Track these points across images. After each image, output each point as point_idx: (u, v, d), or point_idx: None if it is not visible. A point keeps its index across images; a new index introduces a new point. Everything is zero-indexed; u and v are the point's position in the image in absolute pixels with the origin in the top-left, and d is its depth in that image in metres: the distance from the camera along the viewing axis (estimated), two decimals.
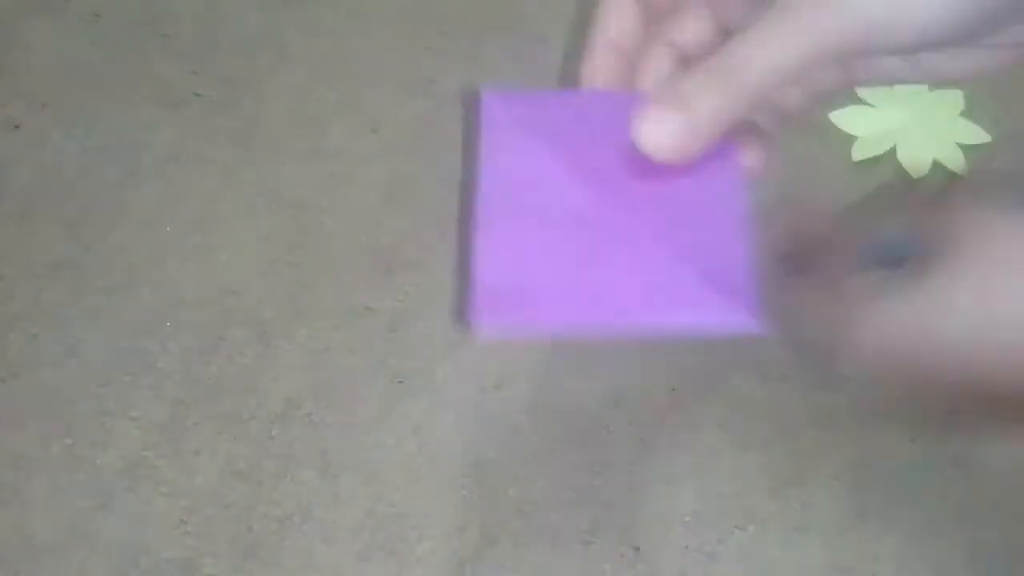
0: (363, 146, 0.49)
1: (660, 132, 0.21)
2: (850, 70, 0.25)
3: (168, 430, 0.42)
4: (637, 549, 0.40)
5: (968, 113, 0.48)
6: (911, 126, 0.48)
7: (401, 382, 0.43)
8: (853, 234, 0.24)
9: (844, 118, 0.48)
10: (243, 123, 0.50)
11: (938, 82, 0.25)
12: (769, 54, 0.23)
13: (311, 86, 0.51)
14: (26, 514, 0.40)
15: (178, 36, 0.52)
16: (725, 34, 0.27)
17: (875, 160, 0.48)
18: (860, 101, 0.49)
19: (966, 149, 0.48)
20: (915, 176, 0.47)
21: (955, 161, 0.47)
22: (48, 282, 0.45)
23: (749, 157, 0.25)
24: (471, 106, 0.28)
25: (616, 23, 0.27)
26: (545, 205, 0.22)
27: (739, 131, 0.24)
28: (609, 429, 0.42)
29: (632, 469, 0.41)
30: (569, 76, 0.52)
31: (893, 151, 0.48)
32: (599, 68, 0.26)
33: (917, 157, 0.47)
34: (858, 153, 0.48)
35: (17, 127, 0.49)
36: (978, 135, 0.48)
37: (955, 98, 0.49)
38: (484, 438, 0.42)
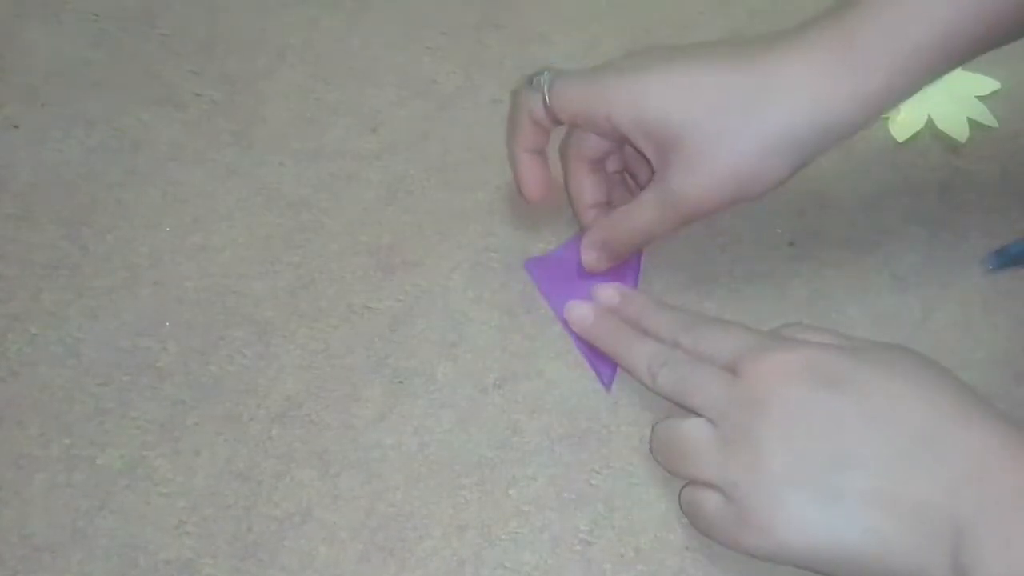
0: (363, 146, 0.49)
1: (588, 259, 0.43)
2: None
3: (167, 430, 0.42)
4: (637, 549, 0.40)
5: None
6: (938, 95, 0.50)
7: (401, 382, 0.43)
8: None
9: None
10: (243, 123, 0.50)
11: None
12: (640, 226, 0.41)
13: (311, 86, 0.51)
14: (25, 514, 0.40)
15: (178, 36, 0.52)
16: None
17: (915, 136, 0.49)
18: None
19: (984, 99, 0.49)
20: (959, 140, 0.49)
21: (983, 114, 0.49)
22: (47, 282, 0.45)
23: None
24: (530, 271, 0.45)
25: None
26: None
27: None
28: (609, 429, 0.42)
29: (632, 469, 0.41)
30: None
31: (930, 122, 0.49)
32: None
33: (953, 121, 0.48)
34: (899, 134, 0.49)
35: (16, 127, 0.49)
36: (987, 84, 0.50)
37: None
38: (484, 438, 0.42)
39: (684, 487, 0.36)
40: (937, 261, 0.46)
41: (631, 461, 0.41)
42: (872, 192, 0.48)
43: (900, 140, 0.49)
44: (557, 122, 0.40)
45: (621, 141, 0.40)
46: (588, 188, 0.43)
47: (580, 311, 0.43)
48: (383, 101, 0.50)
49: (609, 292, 0.43)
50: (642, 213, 0.40)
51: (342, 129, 0.50)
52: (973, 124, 0.49)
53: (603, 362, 0.43)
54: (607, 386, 0.43)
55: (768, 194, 0.38)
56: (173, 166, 0.48)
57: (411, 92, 0.51)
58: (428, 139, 0.49)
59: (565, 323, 0.44)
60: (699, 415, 0.35)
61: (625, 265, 0.44)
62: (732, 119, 0.36)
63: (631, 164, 0.44)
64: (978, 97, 0.49)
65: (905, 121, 0.49)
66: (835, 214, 0.47)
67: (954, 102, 0.49)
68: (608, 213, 0.42)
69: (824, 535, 0.31)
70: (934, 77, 0.37)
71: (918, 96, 0.48)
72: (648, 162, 0.39)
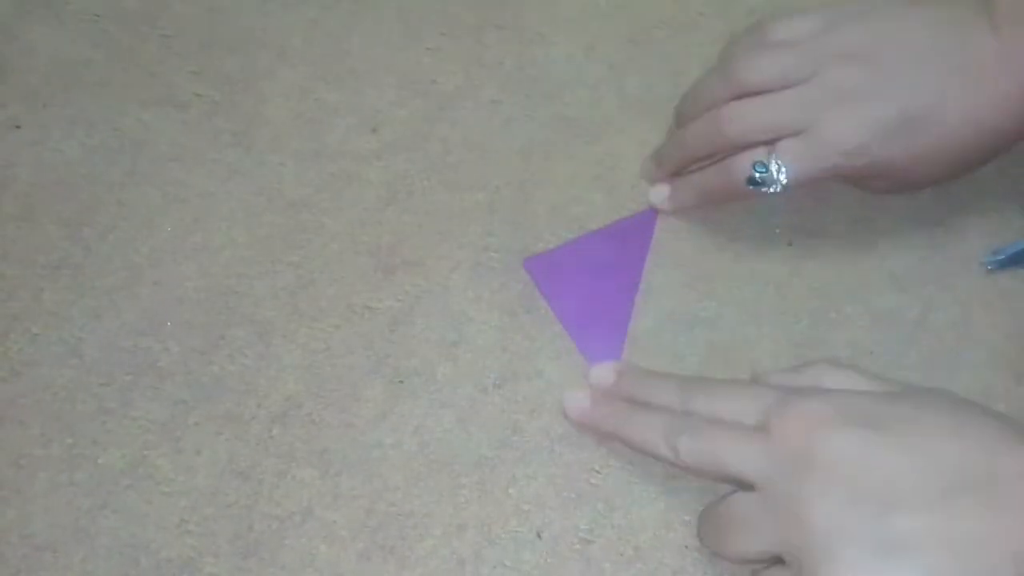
0: (363, 146, 0.49)
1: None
2: None
3: (168, 429, 0.42)
4: (637, 548, 0.40)
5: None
6: None
7: (401, 382, 0.43)
8: None
9: None
10: (243, 123, 0.50)
11: None
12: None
13: (311, 86, 0.51)
14: (26, 513, 0.40)
15: (178, 36, 0.52)
16: None
17: None
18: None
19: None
20: None
21: None
22: (48, 282, 0.45)
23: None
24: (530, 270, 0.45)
25: None
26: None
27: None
28: None
29: (632, 469, 0.41)
30: (569, 76, 0.52)
31: None
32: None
33: None
34: None
35: (18, 127, 0.49)
36: None
37: None
38: (484, 438, 0.42)
39: (755, 572, 0.35)
40: (937, 261, 0.46)
41: (631, 461, 0.41)
42: (872, 192, 0.48)
43: None
44: None
45: None
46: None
47: (574, 400, 0.41)
48: (383, 101, 0.50)
49: (602, 373, 0.42)
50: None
51: (342, 129, 0.50)
52: None
53: (604, 361, 0.43)
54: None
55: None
56: (173, 166, 0.49)
57: (411, 92, 0.51)
58: (428, 139, 0.49)
59: (565, 323, 0.44)
60: (734, 485, 0.34)
61: (628, 263, 0.44)
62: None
63: None
64: None
65: None
66: (835, 214, 0.47)
67: None
68: None
69: None
70: None
71: None
72: None
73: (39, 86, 0.51)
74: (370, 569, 0.39)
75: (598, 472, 0.41)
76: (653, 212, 0.47)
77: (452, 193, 0.48)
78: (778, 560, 0.33)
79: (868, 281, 0.46)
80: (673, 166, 0.46)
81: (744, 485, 0.34)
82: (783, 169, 0.40)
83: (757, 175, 0.40)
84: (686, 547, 0.40)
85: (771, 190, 0.40)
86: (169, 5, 0.53)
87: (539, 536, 0.40)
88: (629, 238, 0.46)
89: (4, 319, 0.44)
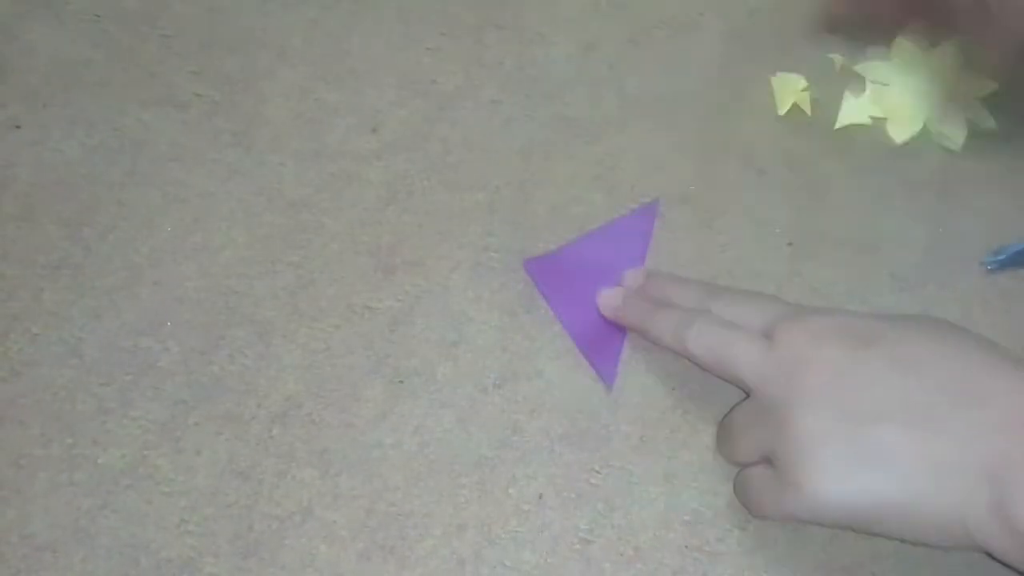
0: (363, 146, 0.49)
1: None
2: None
3: (169, 429, 0.42)
4: (636, 548, 0.40)
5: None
6: (937, 96, 0.49)
7: (401, 382, 0.43)
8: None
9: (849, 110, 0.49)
10: (243, 123, 0.50)
11: None
12: None
13: (311, 86, 0.51)
14: (26, 513, 0.40)
15: (178, 36, 0.52)
16: None
17: (914, 137, 0.49)
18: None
19: (983, 100, 0.49)
20: (958, 140, 0.48)
21: (981, 115, 0.48)
22: (48, 282, 0.45)
23: None
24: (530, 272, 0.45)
25: None
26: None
27: None
28: (609, 429, 0.42)
29: (632, 469, 0.41)
30: (569, 76, 0.52)
31: (929, 123, 0.49)
32: None
33: (952, 121, 0.48)
34: (897, 135, 0.49)
35: (18, 127, 0.49)
36: (986, 85, 0.49)
37: (954, 53, 0.50)
38: (484, 438, 0.42)
39: (738, 472, 0.37)
40: (937, 261, 0.46)
41: (631, 461, 0.41)
42: (872, 192, 0.48)
43: (899, 141, 0.49)
44: None
45: None
46: None
47: (607, 295, 0.43)
48: (383, 101, 0.50)
49: (636, 274, 0.44)
50: None
51: (342, 129, 0.50)
52: (972, 125, 0.49)
53: (604, 360, 0.43)
54: (609, 384, 0.43)
55: None
56: (173, 166, 0.49)
57: (411, 92, 0.51)
58: (428, 139, 0.49)
59: (565, 323, 0.44)
60: (734, 385, 0.36)
61: (628, 262, 0.45)
62: None
63: None
64: (977, 98, 0.49)
65: (904, 122, 0.49)
66: (835, 214, 0.47)
67: (952, 103, 0.49)
68: None
69: (860, 489, 0.31)
70: None
71: (917, 97, 0.49)
72: None
73: (39, 86, 0.51)
74: (370, 569, 0.39)
75: (598, 472, 0.41)
76: (653, 208, 0.47)
77: (452, 193, 0.48)
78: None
79: (868, 281, 0.46)
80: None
81: (743, 387, 0.36)
82: None
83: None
84: (686, 547, 0.40)
85: None
86: (169, 5, 0.53)
87: (540, 497, 0.40)
88: (628, 236, 0.46)
89: (4, 319, 0.44)
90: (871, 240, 0.47)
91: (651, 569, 0.39)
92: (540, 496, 0.41)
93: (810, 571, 0.39)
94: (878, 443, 0.31)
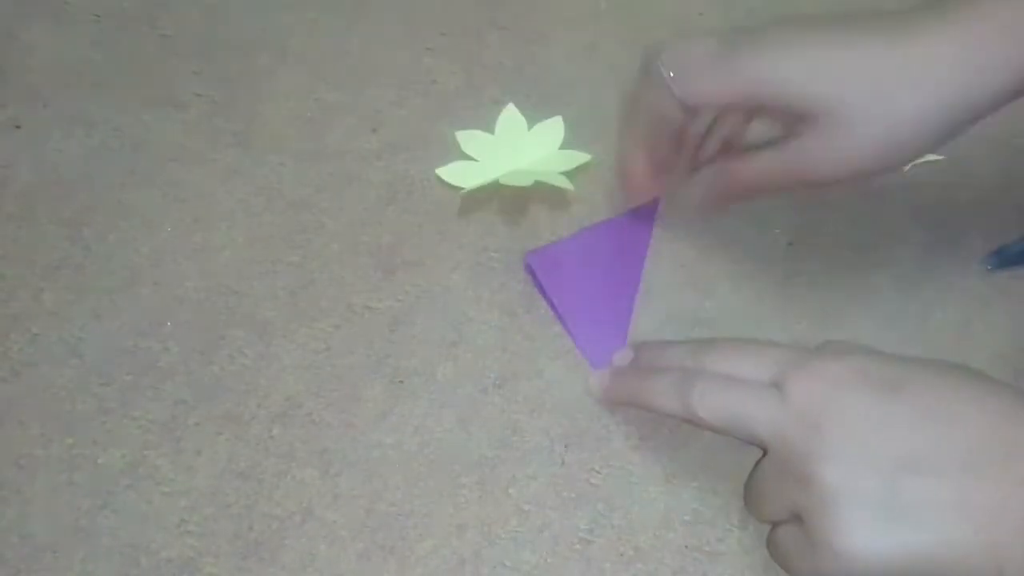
0: (363, 146, 0.49)
1: (695, 198, 0.42)
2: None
3: (169, 429, 0.42)
4: (637, 548, 0.40)
5: (567, 142, 0.49)
6: (513, 169, 0.48)
7: (401, 382, 0.43)
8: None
9: (450, 173, 0.48)
10: (243, 123, 0.50)
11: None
12: (759, 179, 0.39)
13: (311, 86, 0.51)
14: (26, 513, 0.40)
15: (178, 36, 0.52)
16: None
17: (481, 190, 0.47)
18: (465, 156, 0.49)
19: (570, 174, 0.47)
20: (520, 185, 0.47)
21: (559, 180, 0.47)
22: (48, 282, 0.45)
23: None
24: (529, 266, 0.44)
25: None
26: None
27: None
28: (609, 429, 0.42)
29: (632, 469, 0.41)
30: (569, 76, 0.52)
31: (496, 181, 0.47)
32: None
33: (519, 180, 0.47)
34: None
35: (18, 127, 0.49)
36: (578, 158, 0.48)
37: (555, 132, 0.49)
38: (484, 438, 0.42)
39: (769, 533, 0.35)
40: (937, 261, 0.46)
41: (631, 461, 0.41)
42: (872, 192, 0.48)
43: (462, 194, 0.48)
44: (687, 111, 0.38)
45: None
46: (642, 157, 0.41)
47: (597, 378, 0.42)
48: (383, 101, 0.50)
49: (623, 353, 0.42)
50: (765, 168, 0.38)
51: (342, 129, 0.50)
52: (540, 184, 0.47)
53: (603, 357, 0.43)
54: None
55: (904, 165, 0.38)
56: (173, 166, 0.49)
57: (411, 92, 0.51)
58: (428, 139, 0.49)
59: (565, 318, 0.44)
60: (746, 442, 0.34)
61: (629, 258, 0.44)
62: (881, 93, 0.35)
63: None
64: (565, 172, 0.48)
65: (471, 193, 0.48)
66: (835, 214, 0.47)
67: (531, 175, 0.48)
68: (722, 160, 0.40)
69: (894, 544, 0.30)
70: None
71: (495, 168, 0.48)
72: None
73: (39, 86, 0.51)
74: (370, 569, 0.39)
75: (598, 472, 0.41)
76: (653, 206, 0.47)
77: (452, 193, 0.48)
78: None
79: (868, 281, 0.46)
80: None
81: (760, 446, 0.34)
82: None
83: None
84: (686, 547, 0.40)
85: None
86: (169, 5, 0.53)
87: (563, 461, 0.40)
88: (630, 232, 0.46)
89: (4, 319, 0.44)
90: (871, 240, 0.47)
91: (651, 569, 0.39)
92: (540, 496, 0.41)
93: None
94: (911, 496, 0.30)
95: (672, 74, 0.37)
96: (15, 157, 0.49)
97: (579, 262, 0.45)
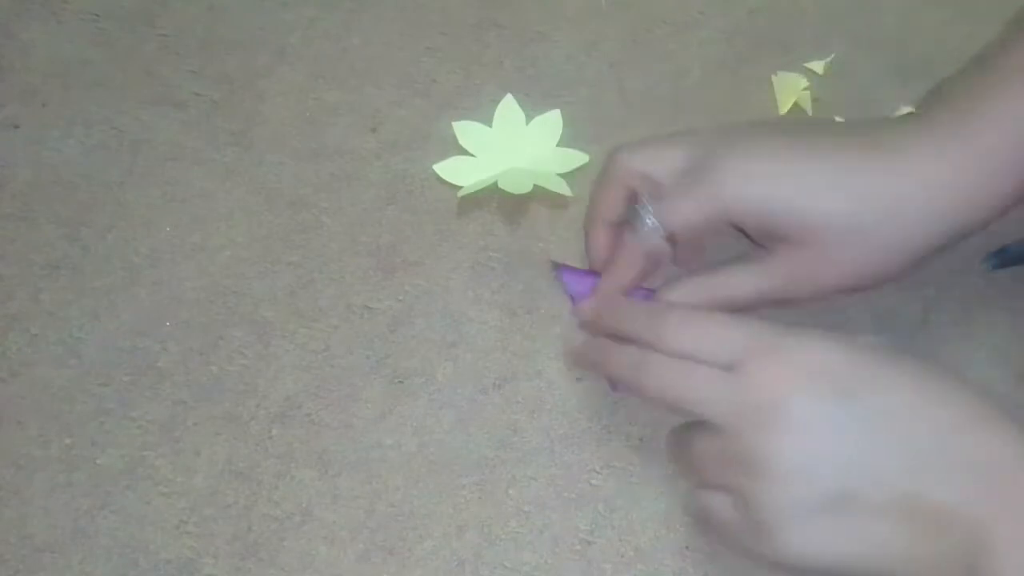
0: (363, 146, 0.49)
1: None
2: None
3: (167, 430, 0.42)
4: (637, 549, 0.40)
5: (566, 139, 0.48)
6: (510, 166, 0.48)
7: (401, 382, 0.43)
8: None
9: (447, 169, 0.48)
10: (243, 123, 0.50)
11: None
12: (739, 296, 0.37)
13: (311, 85, 0.51)
14: (25, 513, 0.40)
15: (178, 36, 0.52)
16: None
17: (479, 192, 0.47)
18: (462, 150, 0.48)
19: (567, 176, 0.47)
20: (518, 192, 0.46)
21: (556, 184, 0.46)
22: (47, 282, 0.45)
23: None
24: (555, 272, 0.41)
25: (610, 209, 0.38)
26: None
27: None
28: (609, 429, 0.42)
29: (632, 469, 0.41)
30: (569, 76, 0.52)
31: (495, 184, 0.46)
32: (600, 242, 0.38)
33: (518, 185, 0.46)
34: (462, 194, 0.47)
35: (16, 126, 0.49)
36: (577, 159, 0.48)
37: (554, 125, 0.49)
38: (484, 438, 0.42)
39: (694, 491, 0.35)
40: (937, 261, 0.46)
41: (631, 461, 0.41)
42: None
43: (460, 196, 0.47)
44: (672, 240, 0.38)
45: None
46: (606, 246, 0.39)
47: (573, 342, 0.39)
48: (383, 101, 0.50)
49: (586, 309, 0.39)
50: (743, 285, 0.37)
51: (342, 129, 0.50)
52: (539, 188, 0.47)
53: None
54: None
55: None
56: (172, 165, 0.48)
57: (411, 92, 0.51)
58: (428, 139, 0.49)
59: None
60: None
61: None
62: (865, 217, 0.34)
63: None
64: (562, 174, 0.47)
65: (469, 191, 0.47)
66: None
67: (528, 175, 0.47)
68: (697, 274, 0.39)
69: (837, 548, 0.31)
70: None
71: (492, 165, 0.48)
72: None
73: (38, 85, 0.50)
74: (370, 570, 0.39)
75: (598, 473, 0.41)
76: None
77: (452, 193, 0.48)
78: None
79: None
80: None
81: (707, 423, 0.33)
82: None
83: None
84: (686, 548, 0.39)
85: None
86: (168, 5, 0.53)
87: (563, 461, 0.40)
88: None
89: (2, 319, 0.44)
90: None
91: (652, 570, 0.39)
92: (540, 497, 0.41)
93: (811, 572, 0.39)
94: (858, 502, 0.30)
95: (655, 220, 0.36)
96: (13, 156, 0.48)
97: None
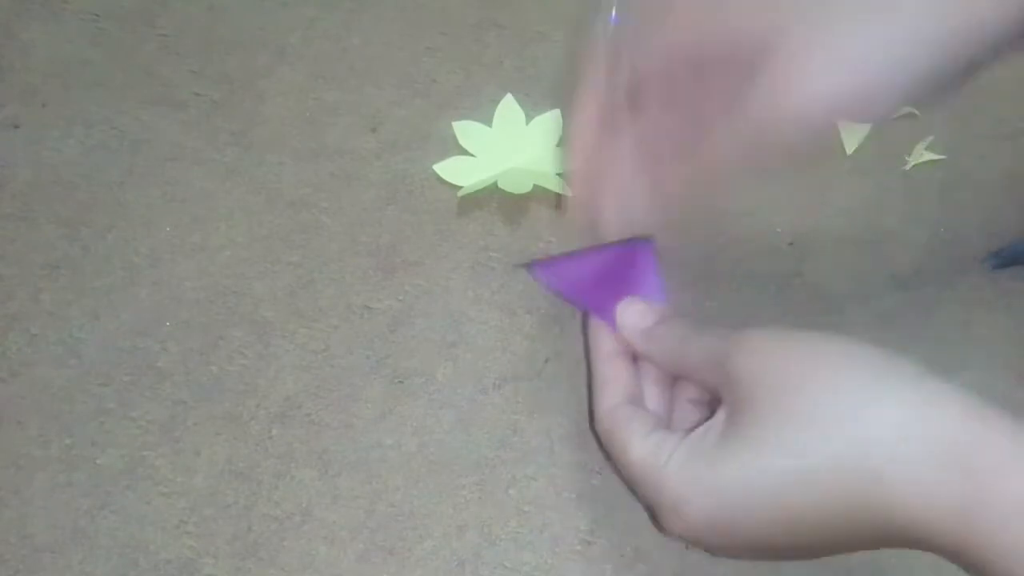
0: (363, 146, 0.49)
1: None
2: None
3: (167, 430, 0.42)
4: (637, 549, 0.40)
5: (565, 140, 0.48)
6: (510, 166, 0.48)
7: (401, 382, 0.43)
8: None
9: (447, 169, 0.48)
10: (242, 123, 0.50)
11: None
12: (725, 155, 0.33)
13: (311, 86, 0.51)
14: (25, 514, 0.40)
15: (178, 36, 0.52)
16: None
17: (479, 192, 0.46)
18: (462, 150, 0.48)
19: (564, 176, 0.46)
20: (518, 191, 0.46)
21: (555, 184, 0.46)
22: (47, 282, 0.45)
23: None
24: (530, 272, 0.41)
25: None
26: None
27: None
28: None
29: None
30: (569, 77, 0.52)
31: (495, 184, 0.46)
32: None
33: (518, 185, 0.46)
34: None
35: (17, 127, 0.49)
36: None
37: (553, 125, 0.49)
38: (484, 438, 0.42)
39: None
40: (937, 261, 0.46)
41: None
42: (872, 192, 0.48)
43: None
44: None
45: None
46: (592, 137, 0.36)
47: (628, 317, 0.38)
48: (383, 101, 0.50)
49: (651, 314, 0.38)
50: (727, 139, 0.32)
51: (342, 129, 0.50)
52: (538, 188, 0.46)
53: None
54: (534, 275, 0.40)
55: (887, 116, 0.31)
56: (172, 166, 0.48)
57: (411, 92, 0.51)
58: (428, 139, 0.49)
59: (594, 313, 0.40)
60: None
61: (643, 270, 0.40)
62: (841, 22, 0.29)
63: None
64: (560, 174, 0.47)
65: (469, 190, 0.47)
66: (835, 214, 0.47)
67: (528, 175, 0.47)
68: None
69: (745, 507, 0.31)
70: None
71: (492, 165, 0.48)
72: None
73: (38, 85, 0.51)
74: (370, 570, 0.39)
75: (598, 473, 0.41)
76: (648, 247, 0.40)
77: (452, 193, 0.48)
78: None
79: (868, 281, 0.46)
80: None
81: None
82: None
83: None
84: (687, 547, 0.39)
85: None
86: (168, 5, 0.53)
87: (563, 462, 0.40)
88: (631, 269, 0.40)
89: (2, 319, 0.44)
90: (871, 240, 0.47)
91: (652, 570, 0.39)
92: (540, 497, 0.41)
93: (810, 571, 0.39)
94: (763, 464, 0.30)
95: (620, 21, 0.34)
96: (13, 156, 0.48)
97: (593, 277, 0.39)
